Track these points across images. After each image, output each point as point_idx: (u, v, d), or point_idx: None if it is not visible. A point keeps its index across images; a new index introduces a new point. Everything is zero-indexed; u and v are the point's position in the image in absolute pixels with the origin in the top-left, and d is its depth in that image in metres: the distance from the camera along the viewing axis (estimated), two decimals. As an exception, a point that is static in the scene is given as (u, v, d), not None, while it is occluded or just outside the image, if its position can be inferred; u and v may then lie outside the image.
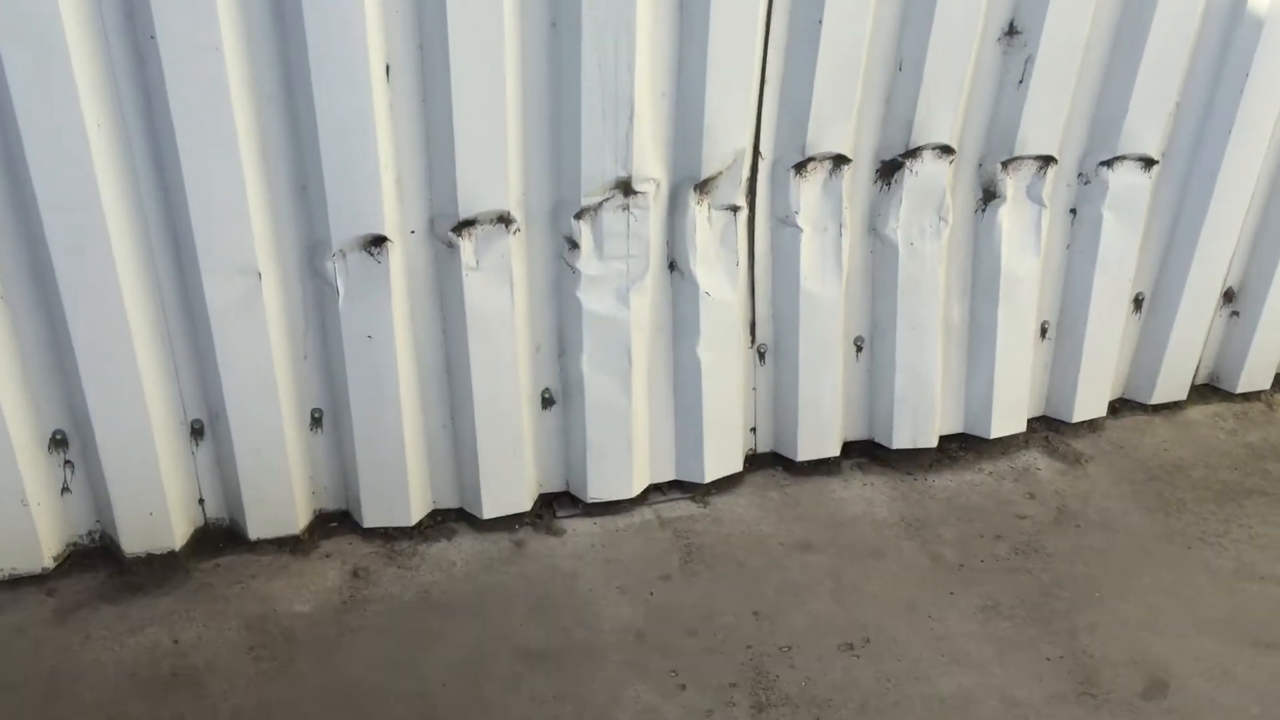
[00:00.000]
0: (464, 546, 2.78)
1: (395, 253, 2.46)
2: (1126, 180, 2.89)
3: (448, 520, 2.84)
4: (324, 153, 2.30)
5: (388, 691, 2.32)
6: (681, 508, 2.91)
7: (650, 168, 2.54)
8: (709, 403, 2.82)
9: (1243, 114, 2.82)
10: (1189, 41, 2.73)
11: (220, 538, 2.74)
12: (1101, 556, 2.78)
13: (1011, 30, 2.66)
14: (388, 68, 2.29)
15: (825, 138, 2.63)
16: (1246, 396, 3.36)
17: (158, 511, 2.58)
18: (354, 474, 2.70)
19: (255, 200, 2.32)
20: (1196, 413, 3.31)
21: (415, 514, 2.76)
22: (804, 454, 2.99)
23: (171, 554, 2.65)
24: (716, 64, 2.44)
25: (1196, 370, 3.34)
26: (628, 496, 2.86)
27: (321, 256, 2.43)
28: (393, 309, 2.50)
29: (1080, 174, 2.91)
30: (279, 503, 2.68)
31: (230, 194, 2.28)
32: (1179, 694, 2.41)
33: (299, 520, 2.72)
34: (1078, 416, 3.16)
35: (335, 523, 2.82)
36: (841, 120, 2.63)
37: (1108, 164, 2.87)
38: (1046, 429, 3.20)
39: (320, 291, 2.49)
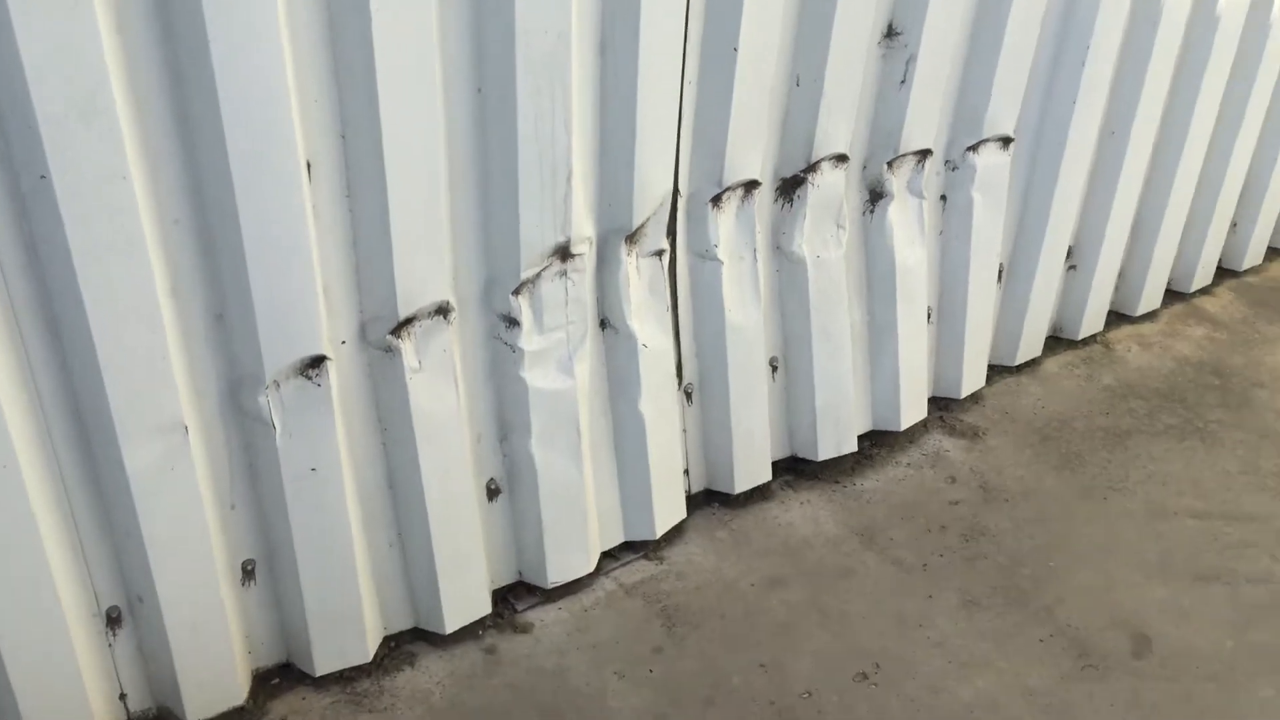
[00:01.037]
0: (432, 670, 2.50)
1: (334, 370, 2.14)
2: (989, 161, 2.99)
3: (402, 645, 2.55)
4: (251, 273, 1.94)
5: None
6: (639, 569, 2.76)
7: (585, 227, 2.35)
8: (654, 457, 2.68)
9: (1085, 85, 2.98)
10: (1038, 23, 2.84)
11: (151, 731, 2.32)
12: (1037, 526, 2.89)
13: (891, 32, 2.66)
14: (309, 165, 1.97)
15: (740, 165, 2.54)
16: (1086, 342, 3.61)
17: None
18: (299, 620, 2.35)
19: (173, 344, 1.94)
20: (1052, 364, 3.52)
21: (371, 648, 2.45)
22: (741, 485, 2.91)
23: (93, 766, 2.21)
24: (645, 107, 2.29)
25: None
26: (585, 573, 2.68)
27: (250, 392, 2.07)
28: (337, 434, 2.18)
29: (948, 161, 2.99)
30: (219, 674, 2.29)
31: (148, 343, 1.89)
32: (1162, 646, 2.56)
33: (242, 689, 2.35)
34: (965, 392, 3.27)
35: (276, 679, 2.45)
36: (752, 145, 2.54)
37: (973, 148, 2.95)
38: (938, 409, 3.30)
39: (249, 431, 2.13)
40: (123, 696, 2.27)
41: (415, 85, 1.98)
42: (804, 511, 2.93)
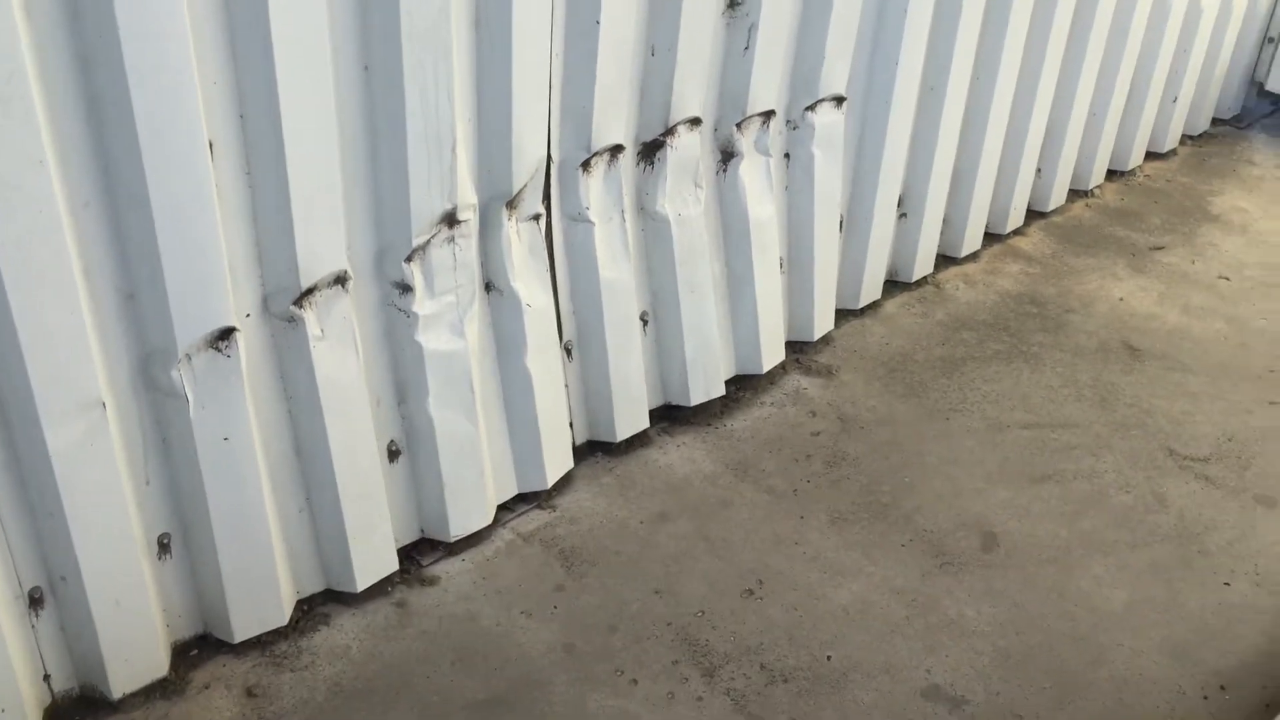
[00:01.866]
0: (347, 626, 2.61)
1: (243, 341, 2.23)
2: (826, 120, 3.26)
3: (315, 607, 2.65)
4: (163, 251, 2.03)
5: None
6: (534, 518, 2.92)
7: (469, 194, 2.49)
8: (542, 410, 2.84)
9: (904, 46, 3.27)
10: (865, -8, 3.12)
11: (76, 709, 2.36)
12: (891, 448, 3.19)
13: (733, 3, 2.88)
14: (210, 145, 2.05)
15: (605, 132, 2.72)
16: (919, 283, 3.94)
17: (11, 708, 2.18)
18: (216, 589, 2.43)
19: (89, 323, 2.00)
20: (891, 306, 3.83)
21: (287, 612, 2.55)
22: (622, 433, 3.10)
23: (22, 746, 2.26)
24: (519, 80, 2.44)
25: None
26: (484, 525, 2.83)
27: (164, 367, 2.15)
28: (247, 403, 2.27)
29: (789, 121, 3.24)
30: (143, 648, 2.36)
31: (67, 323, 1.95)
32: (1006, 540, 2.88)
33: (164, 661, 2.42)
34: (817, 334, 3.54)
35: (196, 650, 2.52)
36: (615, 112, 2.72)
37: (811, 108, 3.21)
38: (794, 352, 3.56)
39: (161, 406, 2.21)
40: (46, 678, 2.31)
41: (308, 66, 2.09)
42: (681, 453, 3.15)
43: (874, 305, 3.80)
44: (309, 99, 2.11)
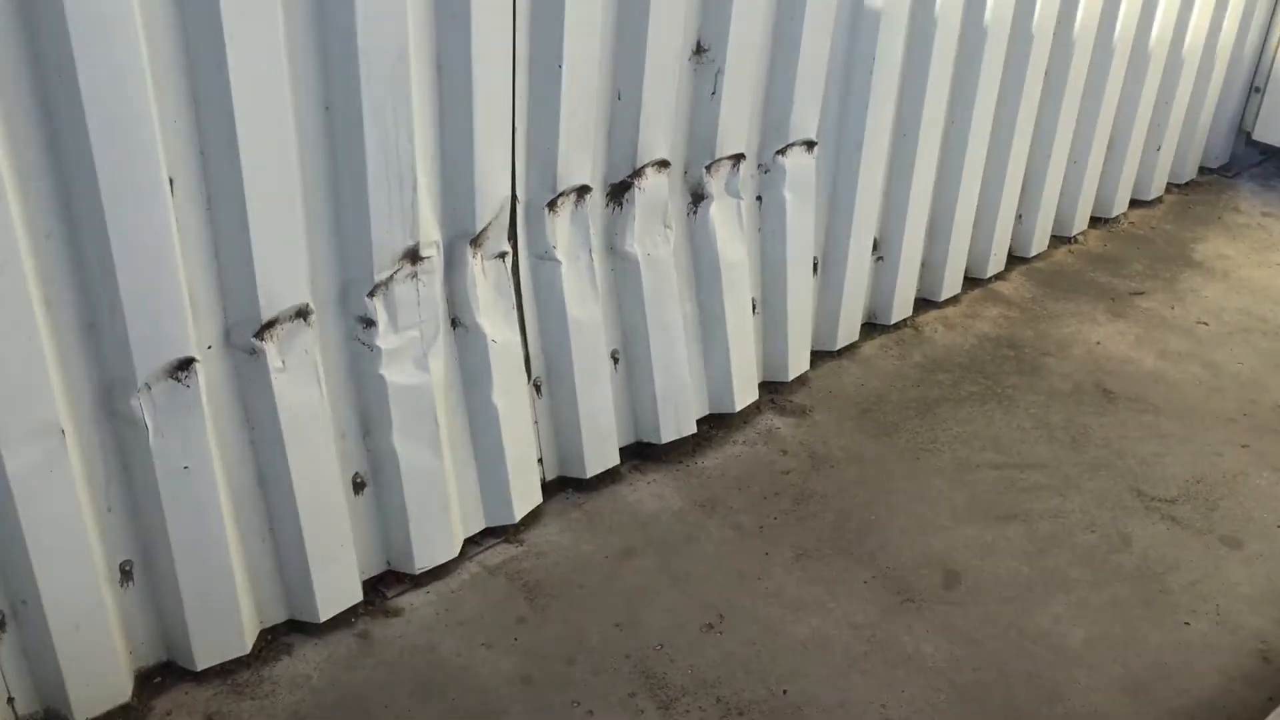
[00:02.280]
0: (309, 656, 2.65)
1: (204, 371, 2.29)
2: (797, 163, 3.32)
3: (278, 636, 2.68)
4: (122, 283, 2.10)
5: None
6: (501, 551, 2.96)
7: (432, 231, 2.56)
8: (509, 445, 2.88)
9: (874, 91, 3.34)
10: (828, 37, 3.19)
11: (38, 733, 2.41)
12: (860, 486, 3.21)
13: (699, 49, 2.96)
14: (171, 181, 2.13)
15: (570, 172, 2.79)
16: (898, 326, 3.97)
17: (-33, 729, 2.23)
18: (178, 618, 2.47)
19: (49, 351, 2.07)
20: (869, 348, 3.87)
21: (249, 640, 2.59)
22: (592, 469, 3.14)
23: (-18, 773, 2.29)
24: (481, 120, 2.51)
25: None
26: (450, 558, 2.86)
27: (124, 395, 2.21)
28: (207, 433, 2.33)
29: (760, 164, 3.30)
30: (104, 674, 2.40)
31: (25, 350, 2.02)
32: (969, 578, 2.89)
33: (126, 687, 2.46)
34: (791, 375, 3.58)
35: (159, 677, 2.56)
36: (581, 154, 2.79)
37: (781, 152, 3.28)
38: (769, 392, 3.59)
39: (122, 434, 2.27)
40: (10, 700, 2.35)
41: (266, 106, 2.16)
42: (651, 490, 3.18)
43: (851, 347, 3.84)
44: (267, 138, 2.18)
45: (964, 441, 3.42)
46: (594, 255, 2.94)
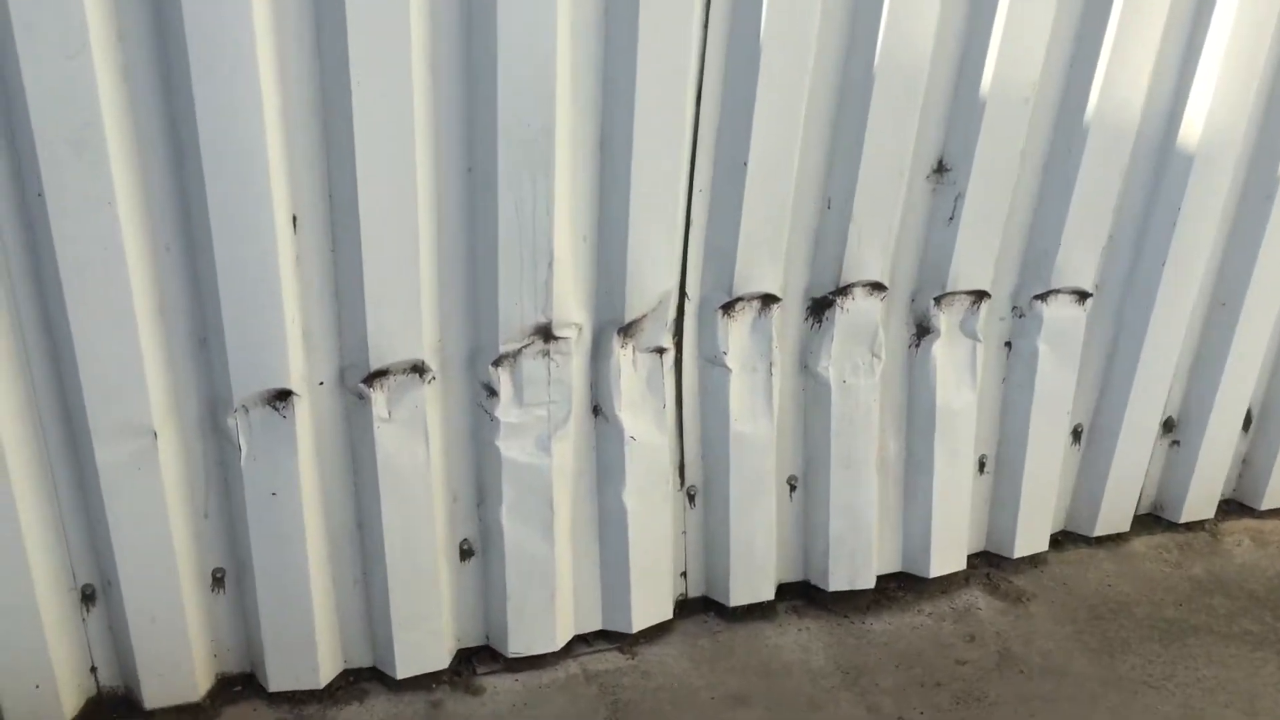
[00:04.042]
0: (376, 710, 2.60)
1: (301, 407, 2.32)
2: (1060, 313, 2.84)
3: (360, 681, 2.67)
4: (224, 306, 2.17)
5: None
6: (608, 660, 2.76)
7: (572, 313, 2.44)
8: (635, 550, 2.69)
9: (1175, 249, 2.79)
10: (1119, 176, 2.70)
11: (116, 707, 2.54)
12: (1046, 705, 2.66)
13: (940, 168, 2.61)
14: (295, 219, 2.18)
15: (753, 278, 2.56)
16: (1190, 526, 3.29)
17: (45, 683, 2.39)
18: (258, 635, 2.53)
19: (150, 358, 2.18)
20: (1140, 544, 3.23)
21: (325, 676, 2.59)
22: (737, 599, 2.86)
23: (58, 727, 2.45)
24: (639, 207, 2.36)
25: (1139, 501, 3.27)
26: (551, 650, 2.71)
27: (223, 413, 2.29)
28: (298, 466, 2.35)
29: (1014, 307, 2.86)
30: (177, 669, 2.50)
31: (123, 352, 2.14)
32: None
33: (199, 687, 2.54)
34: (1019, 552, 3.07)
35: (240, 686, 2.63)
36: (769, 260, 2.55)
37: (1041, 297, 2.82)
38: (988, 565, 3.11)
39: (222, 449, 2.35)
40: (94, 670, 2.51)
41: (393, 162, 2.15)
42: (799, 638, 2.84)
43: (1116, 538, 3.23)
44: (389, 194, 2.17)
45: (1207, 689, 2.74)
46: (775, 370, 2.68)
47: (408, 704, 2.62)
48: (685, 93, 2.29)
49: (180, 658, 2.49)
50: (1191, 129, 2.68)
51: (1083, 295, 2.84)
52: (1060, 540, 3.21)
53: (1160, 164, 2.75)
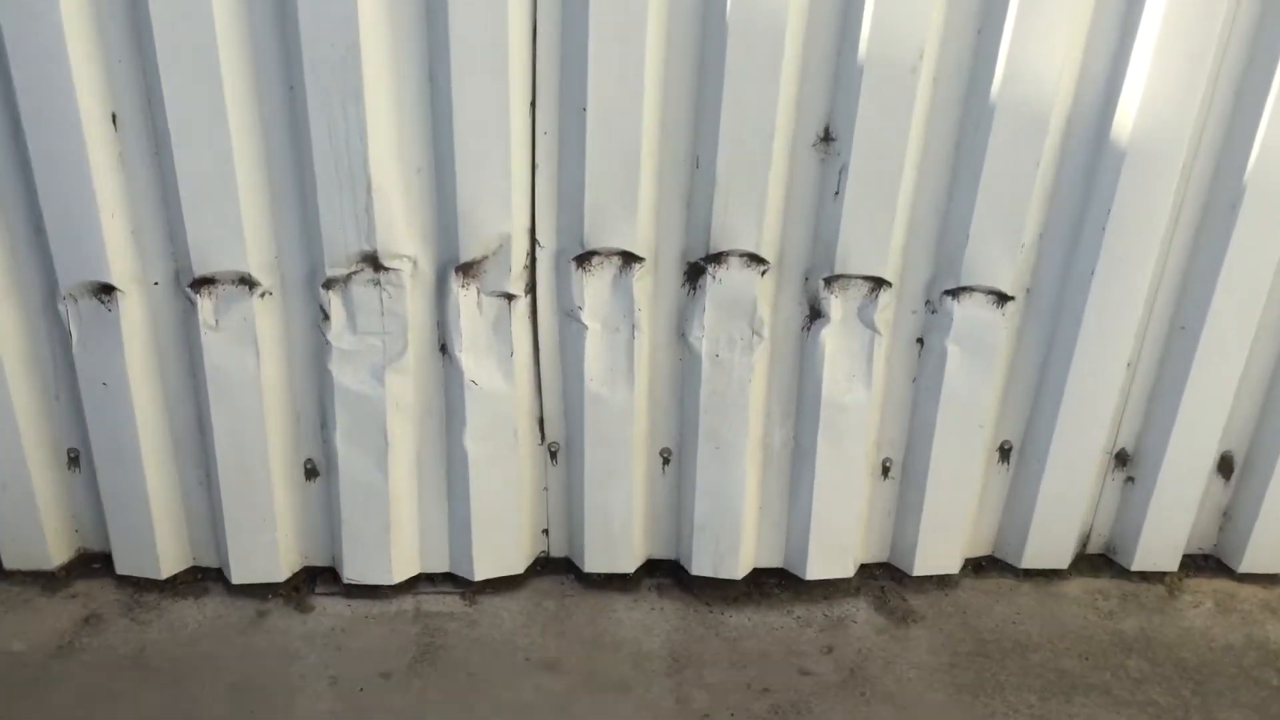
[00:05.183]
0: (208, 609, 2.69)
1: (127, 303, 2.41)
2: (974, 314, 2.56)
3: (206, 579, 2.77)
4: (42, 199, 2.28)
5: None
6: (446, 603, 2.74)
7: (401, 244, 2.40)
8: (478, 497, 2.65)
9: (1106, 256, 2.45)
10: (1034, 165, 2.39)
11: (-24, 565, 2.75)
12: (876, 734, 2.45)
13: (826, 136, 2.40)
14: (114, 116, 2.25)
15: (605, 232, 2.44)
16: (1146, 577, 2.91)
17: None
18: (105, 518, 2.66)
19: (-3, 242, 2.34)
20: (1076, 586, 2.89)
21: (166, 568, 2.70)
22: (592, 565, 2.77)
23: (-69, 572, 2.68)
24: (464, 142, 2.30)
25: (1087, 538, 2.93)
26: (387, 583, 2.72)
27: (56, 299, 2.41)
28: (125, 358, 2.45)
29: (927, 302, 2.60)
30: (30, 538, 2.67)
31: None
32: None
33: (53, 557, 2.71)
34: (920, 570, 2.82)
35: (98, 564, 2.78)
36: (622, 215, 2.42)
37: (953, 294, 2.55)
38: (890, 578, 2.87)
39: (63, 333, 2.47)
40: (-34, 527, 2.72)
41: (198, 71, 2.18)
42: (646, 617, 2.72)
43: (1049, 574, 2.90)
44: (198, 102, 2.21)
45: (1068, 753, 2.44)
46: (639, 334, 2.55)
47: (237, 609, 2.69)
48: (505, 26, 2.19)
49: (31, 528, 2.66)
50: (1125, 115, 2.33)
51: (1001, 297, 2.55)
52: (984, 566, 2.91)
53: (1093, 157, 2.41)
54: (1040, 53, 2.28)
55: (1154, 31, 2.26)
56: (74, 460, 2.65)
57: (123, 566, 2.71)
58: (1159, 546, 2.87)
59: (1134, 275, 2.50)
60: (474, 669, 2.55)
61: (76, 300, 2.40)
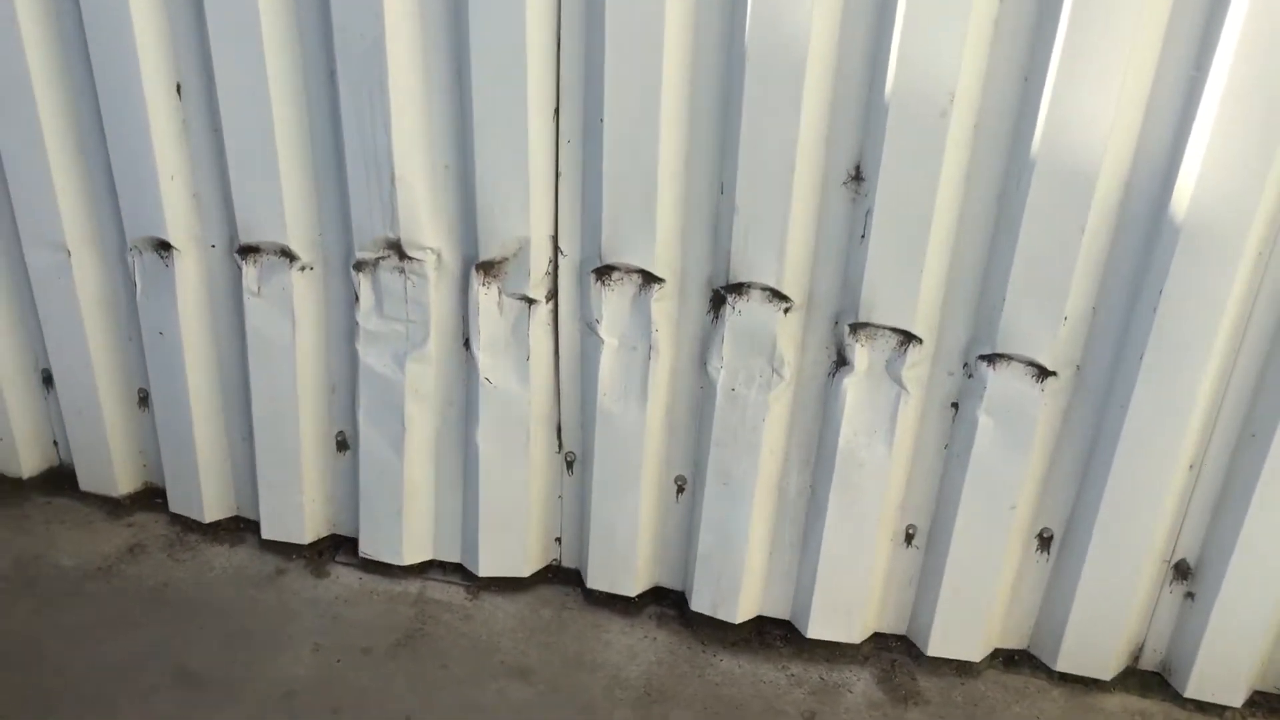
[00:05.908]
0: (236, 558, 2.86)
1: (183, 261, 2.60)
2: (1010, 385, 2.35)
3: (247, 529, 2.94)
4: (112, 155, 2.50)
5: (30, 664, 2.46)
6: (448, 593, 2.79)
7: (425, 236, 2.47)
8: (486, 494, 2.68)
9: (1155, 341, 2.18)
10: (1079, 231, 2.16)
11: (66, 479, 3.04)
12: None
13: (857, 175, 2.28)
14: (179, 86, 2.44)
15: (622, 248, 2.41)
16: (1203, 707, 2.58)
17: (7, 441, 2.92)
18: (162, 458, 2.88)
19: (63, 187, 2.58)
20: (1117, 703, 2.60)
21: (210, 514, 2.89)
22: (594, 583, 2.75)
23: (18, 481, 2.98)
24: (484, 143, 2.33)
25: (1141, 651, 2.63)
26: (396, 563, 2.80)
27: (125, 249, 2.64)
28: (179, 312, 2.64)
29: (964, 365, 2.42)
30: (100, 464, 2.93)
31: (40, 178, 2.56)
32: None
33: (119, 485, 2.96)
34: (934, 650, 2.61)
35: (160, 499, 3.01)
36: (639, 232, 2.38)
37: (989, 360, 2.35)
38: (905, 653, 2.68)
39: (132, 281, 2.70)
40: (56, 444, 3.02)
41: (245, 51, 2.33)
42: (636, 645, 2.67)
43: (1089, 683, 2.62)
44: (246, 81, 2.37)
45: None
46: (655, 356, 2.51)
47: (261, 563, 2.85)
48: (523, 32, 2.21)
49: (101, 456, 2.91)
50: (1184, 186, 2.08)
51: (1042, 371, 2.33)
52: (1016, 661, 2.67)
53: (1150, 229, 2.16)
54: (1088, 107, 2.06)
55: (1220, 92, 2.00)
56: (143, 399, 2.88)
57: (175, 505, 2.92)
58: (1218, 675, 2.54)
59: (1190, 366, 2.22)
60: (449, 662, 2.58)
61: (141, 253, 2.62)
